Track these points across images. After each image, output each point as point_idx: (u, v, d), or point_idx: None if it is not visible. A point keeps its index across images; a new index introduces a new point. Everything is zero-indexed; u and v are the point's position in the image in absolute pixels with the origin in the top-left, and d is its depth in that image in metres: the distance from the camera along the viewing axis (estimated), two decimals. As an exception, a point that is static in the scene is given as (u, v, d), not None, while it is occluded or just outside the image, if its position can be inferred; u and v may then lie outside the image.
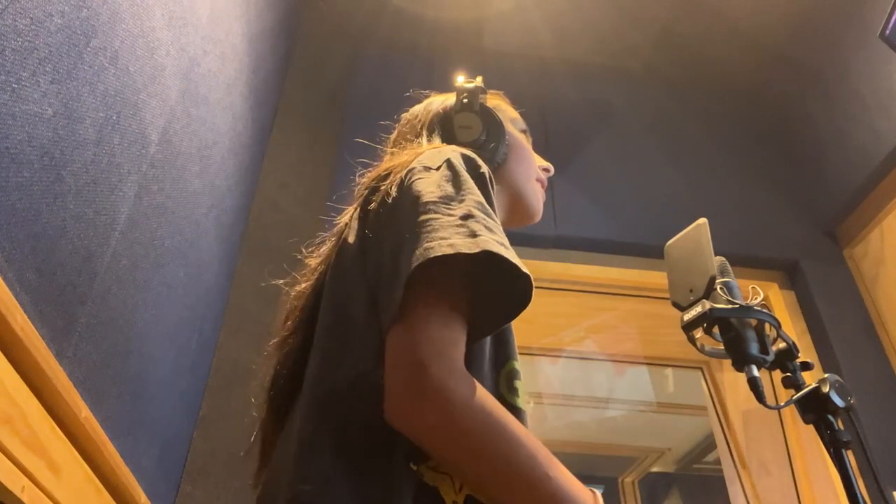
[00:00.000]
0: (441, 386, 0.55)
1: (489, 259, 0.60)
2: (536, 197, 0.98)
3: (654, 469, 3.81)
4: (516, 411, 0.69)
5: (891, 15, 1.63)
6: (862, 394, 1.71)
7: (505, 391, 0.70)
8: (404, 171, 0.72)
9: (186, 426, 1.35)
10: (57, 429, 0.71)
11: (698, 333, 0.82)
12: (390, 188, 0.71)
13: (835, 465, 0.76)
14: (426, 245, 0.59)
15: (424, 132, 0.93)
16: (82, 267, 0.75)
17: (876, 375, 1.77)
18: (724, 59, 2.37)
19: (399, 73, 2.04)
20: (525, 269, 0.61)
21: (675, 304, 0.85)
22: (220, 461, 1.37)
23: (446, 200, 0.65)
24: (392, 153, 0.92)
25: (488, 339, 0.71)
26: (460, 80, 0.98)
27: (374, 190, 0.75)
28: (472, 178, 0.70)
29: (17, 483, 0.60)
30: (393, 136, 1.01)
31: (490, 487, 0.57)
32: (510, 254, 0.61)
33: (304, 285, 0.84)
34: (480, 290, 0.64)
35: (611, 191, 2.07)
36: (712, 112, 2.38)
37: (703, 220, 0.88)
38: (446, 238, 0.60)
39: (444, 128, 0.92)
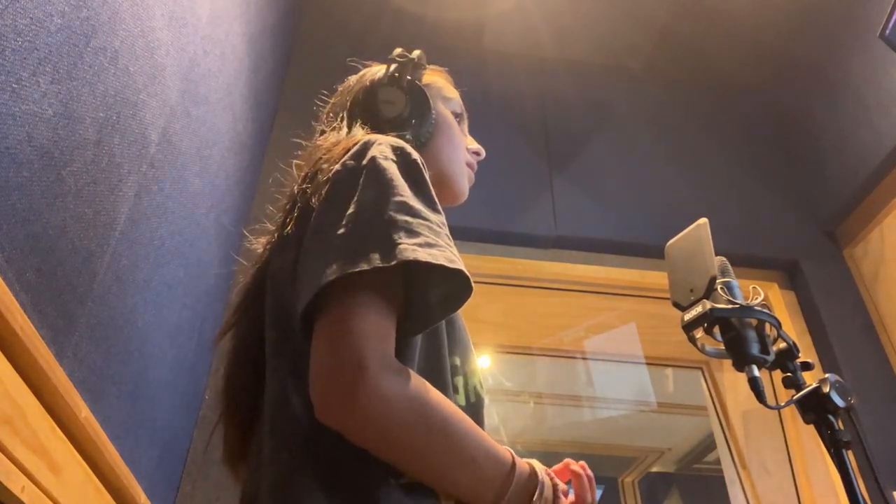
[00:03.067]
0: (377, 382, 0.54)
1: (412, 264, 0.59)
2: (462, 178, 0.95)
3: (654, 469, 3.81)
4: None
5: (891, 15, 1.63)
6: (862, 394, 1.71)
7: (448, 379, 0.70)
8: (330, 174, 0.70)
9: (186, 426, 1.35)
10: (57, 429, 0.71)
11: (699, 333, 0.82)
12: (318, 191, 0.69)
13: (835, 465, 0.76)
14: (342, 260, 0.58)
15: (349, 106, 0.90)
16: (82, 267, 0.75)
17: (876, 375, 1.77)
18: (724, 58, 2.37)
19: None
20: (453, 265, 0.59)
21: (676, 304, 0.85)
22: (220, 461, 1.36)
23: (367, 207, 0.63)
24: (322, 131, 0.91)
25: (442, 332, 0.72)
26: (397, 51, 0.94)
27: (304, 192, 0.74)
28: (403, 170, 0.67)
29: (17, 483, 0.60)
30: (326, 108, 0.97)
31: (427, 472, 0.59)
32: (432, 252, 0.59)
33: (248, 276, 0.83)
34: (421, 283, 0.64)
35: (611, 191, 2.07)
36: (712, 112, 2.38)
37: (703, 220, 0.88)
38: (362, 253, 0.58)
39: (368, 102, 0.89)
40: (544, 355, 2.37)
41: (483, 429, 0.73)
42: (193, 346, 1.28)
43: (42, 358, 0.64)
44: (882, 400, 1.72)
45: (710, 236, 0.85)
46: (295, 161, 0.86)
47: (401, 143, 0.72)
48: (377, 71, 0.95)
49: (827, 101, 2.10)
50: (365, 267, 0.57)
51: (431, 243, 0.60)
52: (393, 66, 0.91)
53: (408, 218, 0.62)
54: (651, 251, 1.90)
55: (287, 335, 0.67)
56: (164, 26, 0.93)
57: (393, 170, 0.67)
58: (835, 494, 1.61)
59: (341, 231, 0.62)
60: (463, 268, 0.60)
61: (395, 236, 0.59)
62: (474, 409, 0.73)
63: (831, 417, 0.77)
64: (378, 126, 0.86)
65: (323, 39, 2.27)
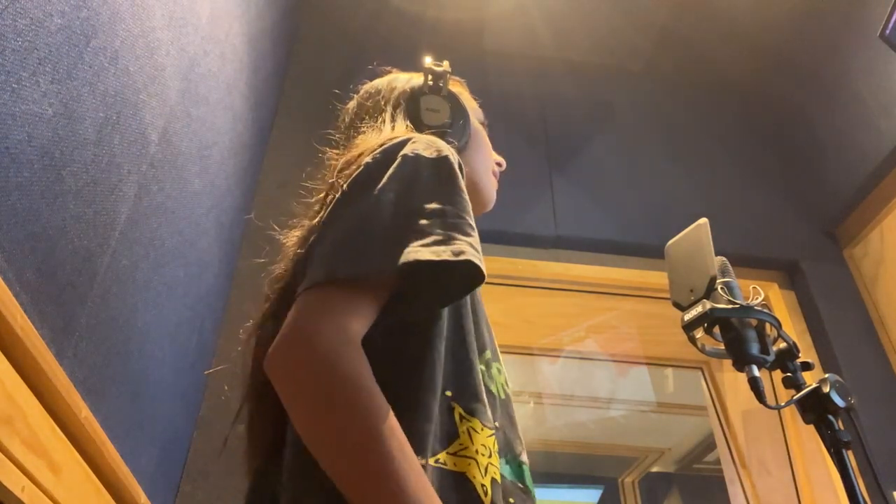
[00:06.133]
0: (314, 334, 0.55)
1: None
2: (491, 187, 0.99)
3: (654, 469, 3.81)
4: (491, 396, 0.71)
5: (891, 15, 1.63)
6: (862, 394, 1.71)
7: (486, 378, 0.72)
8: (361, 163, 0.72)
9: (186, 426, 1.35)
10: (57, 429, 0.71)
11: (699, 333, 0.82)
12: (351, 176, 0.71)
13: (835, 465, 0.76)
14: (347, 260, 0.60)
15: (388, 109, 0.92)
16: (82, 267, 0.75)
17: (876, 375, 1.78)
18: (725, 59, 2.37)
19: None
20: (458, 258, 0.60)
21: (676, 304, 0.85)
22: (220, 461, 1.37)
23: (384, 209, 0.64)
24: (355, 131, 0.92)
25: (471, 329, 0.72)
26: (428, 60, 0.97)
27: (337, 183, 0.75)
28: (431, 165, 0.69)
29: (17, 483, 0.60)
30: (352, 108, 0.99)
31: (324, 451, 0.52)
32: (436, 250, 0.60)
33: (280, 269, 0.83)
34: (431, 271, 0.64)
35: (611, 191, 2.07)
36: (712, 112, 2.38)
37: (703, 220, 0.88)
38: (367, 256, 0.60)
39: (410, 108, 0.91)
40: (544, 355, 2.37)
41: (514, 422, 0.75)
42: (193, 346, 1.28)
43: (42, 358, 0.64)
44: (882, 400, 1.72)
45: (710, 236, 0.85)
46: (330, 155, 0.87)
47: (436, 139, 0.74)
48: (410, 78, 0.97)
49: (827, 102, 2.10)
50: (365, 273, 0.59)
51: (442, 240, 0.62)
52: (433, 75, 0.95)
53: (421, 220, 0.63)
54: (651, 251, 1.90)
55: None
56: (164, 26, 0.93)
57: (419, 167, 0.68)
58: (835, 494, 1.61)
59: (353, 226, 0.63)
60: (471, 256, 0.61)
61: (403, 240, 0.61)
62: (505, 404, 0.75)
63: (831, 417, 0.77)
64: (420, 131, 0.87)
65: (323, 39, 2.27)
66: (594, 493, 3.98)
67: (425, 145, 0.72)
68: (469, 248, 0.62)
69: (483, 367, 0.72)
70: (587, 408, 3.24)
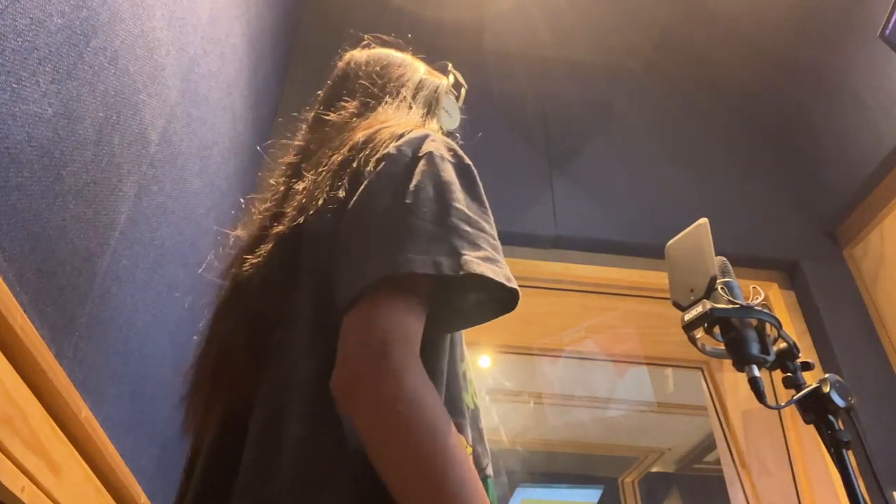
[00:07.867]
0: (399, 367, 0.53)
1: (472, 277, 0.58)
2: None
3: (654, 469, 3.81)
4: (467, 410, 0.70)
5: (891, 15, 1.63)
6: (862, 394, 1.71)
7: (462, 387, 0.71)
8: (381, 153, 0.68)
9: (186, 426, 1.35)
10: (57, 429, 0.71)
11: (699, 333, 0.82)
12: (370, 164, 0.67)
13: (835, 465, 0.76)
14: (405, 255, 0.57)
15: (410, 90, 0.89)
16: (82, 267, 0.75)
17: (876, 375, 1.77)
18: (725, 59, 2.37)
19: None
20: (510, 284, 0.59)
21: (676, 304, 0.85)
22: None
23: (428, 206, 0.62)
24: (371, 95, 0.87)
25: (459, 336, 0.71)
26: (450, 65, 1.00)
27: (349, 161, 0.70)
28: (458, 174, 0.67)
29: (17, 483, 0.60)
30: (365, 62, 0.95)
31: (401, 484, 0.52)
32: (494, 269, 0.59)
33: (275, 208, 0.77)
34: (468, 290, 0.63)
35: (611, 191, 2.07)
36: (713, 112, 2.38)
37: (703, 220, 0.88)
38: (427, 253, 0.58)
39: (432, 103, 0.90)
40: (544, 355, 2.37)
41: (482, 434, 0.73)
42: (193, 346, 1.28)
43: (42, 358, 0.64)
44: (882, 400, 1.72)
45: (710, 236, 0.85)
46: (344, 116, 0.84)
47: (454, 145, 0.72)
48: (427, 68, 0.96)
49: (827, 102, 2.10)
50: (431, 272, 0.57)
51: (491, 258, 0.60)
52: (456, 83, 0.97)
53: (468, 228, 0.61)
54: (651, 251, 1.90)
55: (327, 309, 0.62)
56: (164, 26, 0.93)
57: (450, 171, 0.66)
58: (835, 494, 1.61)
59: (403, 222, 0.60)
60: (517, 286, 0.60)
61: (459, 246, 0.59)
62: (475, 415, 0.73)
63: (831, 417, 0.77)
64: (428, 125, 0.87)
65: (323, 39, 2.27)
66: (594, 493, 3.98)
67: (445, 147, 0.69)
68: (510, 274, 0.61)
69: (462, 377, 0.71)
70: (587, 408, 3.24)
